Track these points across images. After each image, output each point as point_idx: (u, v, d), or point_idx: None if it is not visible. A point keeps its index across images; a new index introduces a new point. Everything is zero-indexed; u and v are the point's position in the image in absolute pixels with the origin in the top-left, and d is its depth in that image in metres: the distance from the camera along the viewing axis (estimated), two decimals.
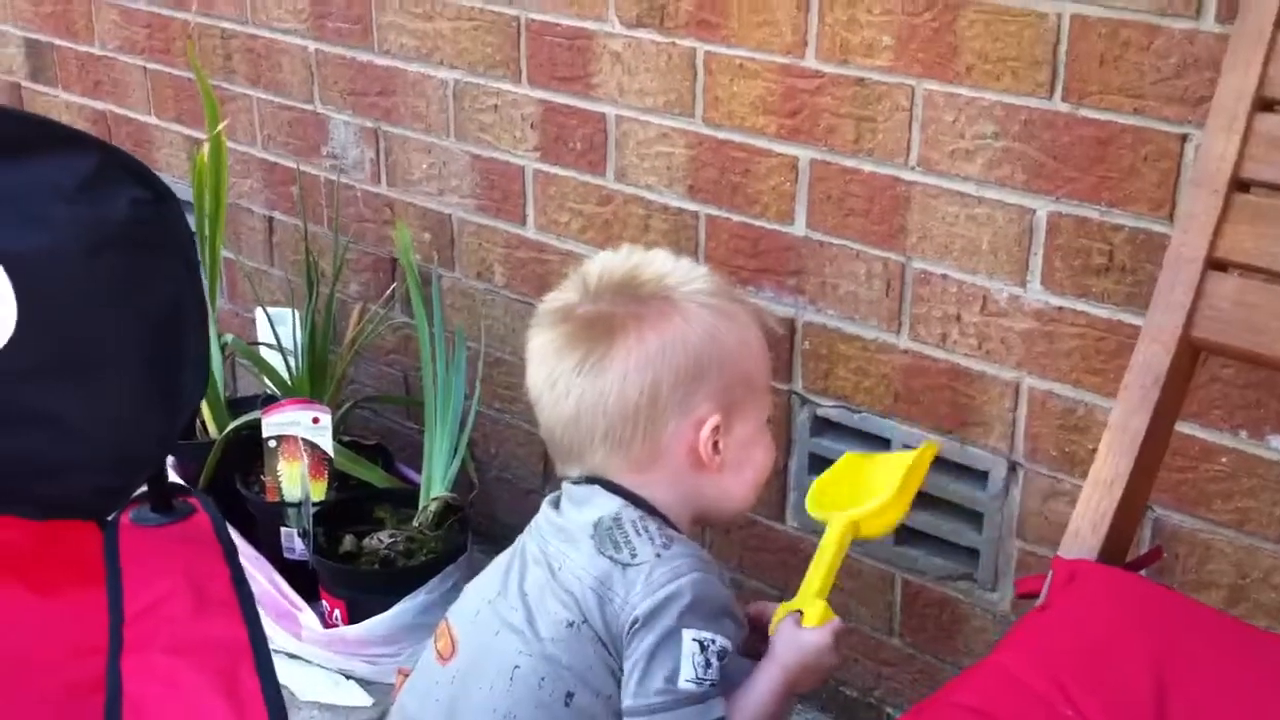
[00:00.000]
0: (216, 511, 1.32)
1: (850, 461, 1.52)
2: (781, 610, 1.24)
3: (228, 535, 1.27)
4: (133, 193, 1.18)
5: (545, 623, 1.14)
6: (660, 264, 1.19)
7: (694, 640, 1.11)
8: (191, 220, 2.11)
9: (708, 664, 1.11)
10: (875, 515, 1.38)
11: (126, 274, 1.18)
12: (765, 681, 1.18)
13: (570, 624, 1.12)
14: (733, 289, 1.23)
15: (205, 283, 2.07)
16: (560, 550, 1.17)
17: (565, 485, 1.23)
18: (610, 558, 1.12)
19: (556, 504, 1.23)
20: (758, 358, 1.20)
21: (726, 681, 1.14)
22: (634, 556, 1.12)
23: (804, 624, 1.20)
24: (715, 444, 1.16)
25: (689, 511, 1.20)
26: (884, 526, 1.40)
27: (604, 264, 1.20)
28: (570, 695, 1.12)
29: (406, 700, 1.24)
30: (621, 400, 1.12)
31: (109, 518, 1.31)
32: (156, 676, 1.07)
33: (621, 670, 1.12)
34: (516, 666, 1.14)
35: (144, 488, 1.31)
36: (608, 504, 1.16)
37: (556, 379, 1.15)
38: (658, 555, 1.12)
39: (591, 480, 1.19)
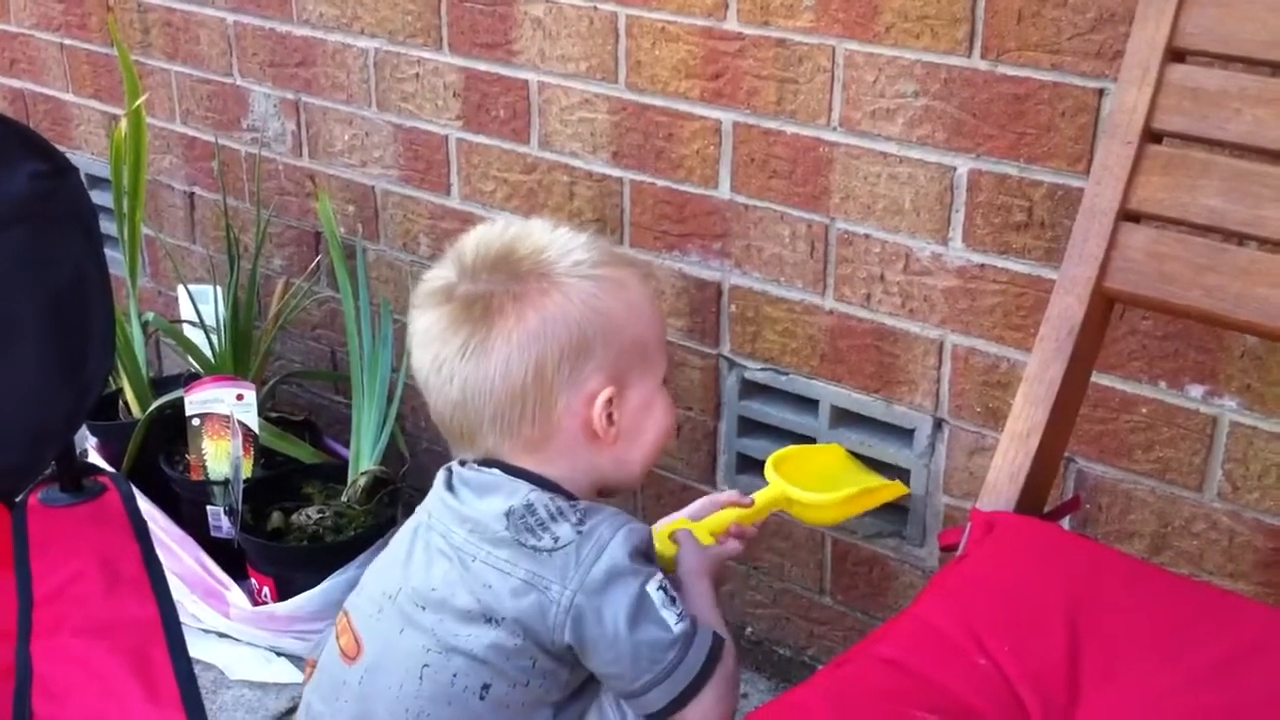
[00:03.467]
0: (129, 489, 1.29)
1: (835, 452, 1.58)
2: (666, 529, 1.27)
3: (139, 513, 1.25)
4: (32, 166, 1.15)
5: (456, 617, 1.11)
6: (537, 237, 1.15)
7: (658, 589, 1.10)
8: (110, 198, 2.07)
9: (673, 599, 1.11)
10: (809, 506, 1.44)
11: (28, 248, 1.16)
12: (704, 595, 1.20)
13: (488, 618, 1.10)
14: (617, 252, 1.19)
15: (126, 260, 2.04)
16: (471, 542, 1.13)
17: (457, 468, 1.19)
18: (533, 547, 1.10)
19: (450, 486, 1.18)
20: (648, 320, 1.17)
21: None
22: (556, 541, 1.09)
23: (703, 542, 1.26)
24: (610, 415, 1.14)
25: (589, 482, 1.18)
26: (815, 518, 1.47)
27: (480, 239, 1.16)
28: (486, 687, 1.10)
29: (313, 699, 1.21)
30: (507, 382, 1.10)
31: (17, 499, 1.28)
32: (68, 660, 1.06)
33: (547, 655, 1.10)
34: (426, 665, 1.11)
35: (53, 467, 1.28)
36: (514, 490, 1.13)
37: (441, 364, 1.12)
38: (579, 533, 1.10)
39: (488, 463, 1.16)
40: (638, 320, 1.15)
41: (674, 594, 1.11)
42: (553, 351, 1.10)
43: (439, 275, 1.16)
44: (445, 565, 1.13)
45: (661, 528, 1.29)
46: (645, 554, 1.13)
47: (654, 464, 1.23)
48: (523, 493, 1.12)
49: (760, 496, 1.40)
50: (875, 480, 1.57)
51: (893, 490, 1.56)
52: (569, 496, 1.15)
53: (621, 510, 1.16)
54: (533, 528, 1.10)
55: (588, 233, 1.18)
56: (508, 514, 1.11)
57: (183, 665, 1.03)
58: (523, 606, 1.08)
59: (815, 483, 1.51)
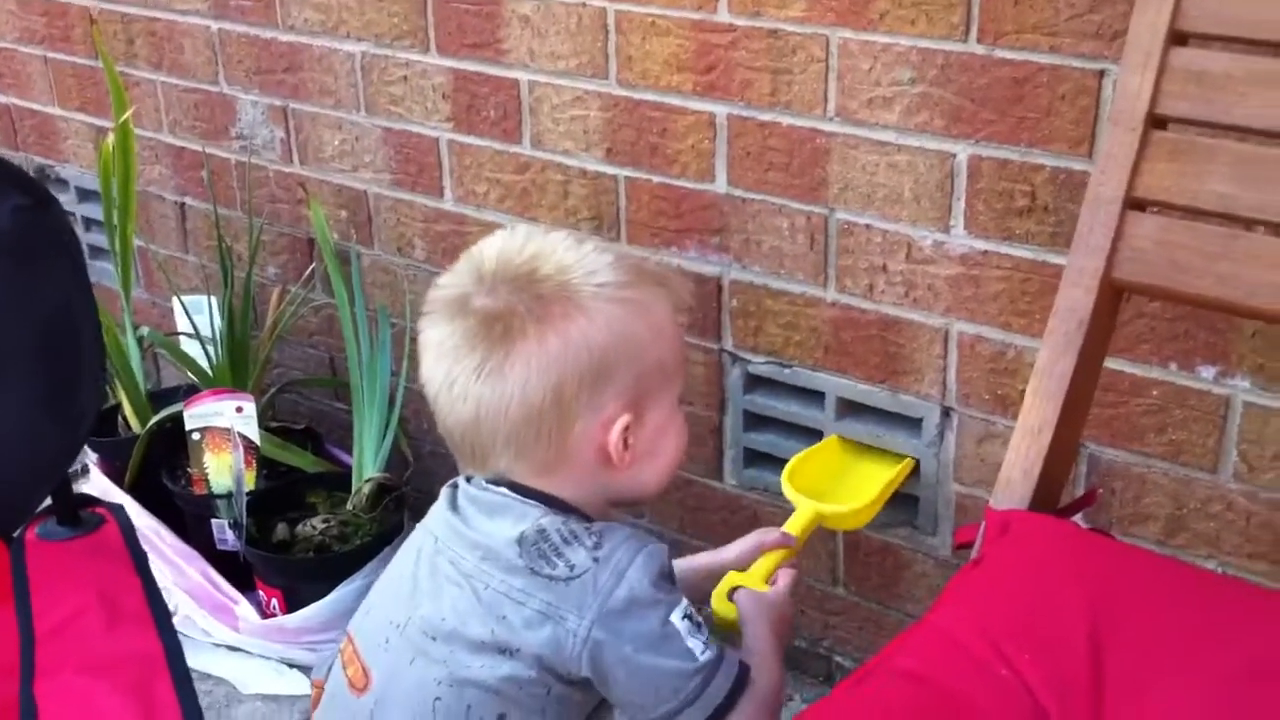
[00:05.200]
0: (128, 520, 1.28)
1: (833, 446, 1.60)
2: (723, 586, 1.26)
3: (138, 544, 1.24)
4: (13, 200, 1.13)
5: (469, 649, 1.08)
6: (561, 255, 1.10)
7: (683, 619, 1.07)
8: (100, 210, 2.05)
9: (699, 626, 1.09)
10: (845, 516, 1.45)
11: (13, 282, 1.14)
12: (763, 640, 1.18)
13: (502, 650, 1.07)
14: (644, 270, 1.14)
15: (118, 273, 2.02)
16: (481, 569, 1.09)
17: (463, 485, 1.16)
18: (548, 576, 1.06)
19: (454, 505, 1.15)
20: (671, 341, 1.14)
21: None
22: (572, 569, 1.06)
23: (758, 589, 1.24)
24: (626, 441, 1.11)
25: (602, 500, 1.15)
26: (850, 525, 1.49)
27: (501, 250, 1.11)
28: (502, 717, 1.08)
29: None
30: (524, 405, 1.06)
31: (14, 534, 1.26)
32: (71, 699, 1.04)
33: (563, 683, 1.07)
34: (438, 699, 1.08)
35: (49, 501, 1.27)
36: (525, 514, 1.10)
37: (454, 380, 1.08)
38: (595, 560, 1.07)
39: (497, 483, 1.13)
40: (659, 342, 1.12)
41: (699, 620, 1.09)
42: (572, 376, 1.06)
43: (455, 284, 1.11)
44: (455, 593, 1.10)
45: (719, 586, 1.27)
46: (667, 577, 1.10)
47: (670, 480, 1.19)
48: (534, 517, 1.09)
49: (795, 526, 1.40)
50: (888, 467, 1.57)
51: (905, 468, 1.56)
52: (582, 516, 1.12)
53: (638, 529, 1.13)
54: (546, 554, 1.07)
55: (613, 251, 1.13)
56: (519, 540, 1.08)
57: (187, 699, 1.02)
58: (539, 638, 1.06)
59: (835, 487, 1.53)
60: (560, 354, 1.06)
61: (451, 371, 1.08)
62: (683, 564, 1.28)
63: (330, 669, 1.22)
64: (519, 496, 1.11)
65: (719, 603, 1.25)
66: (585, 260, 1.10)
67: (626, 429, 1.10)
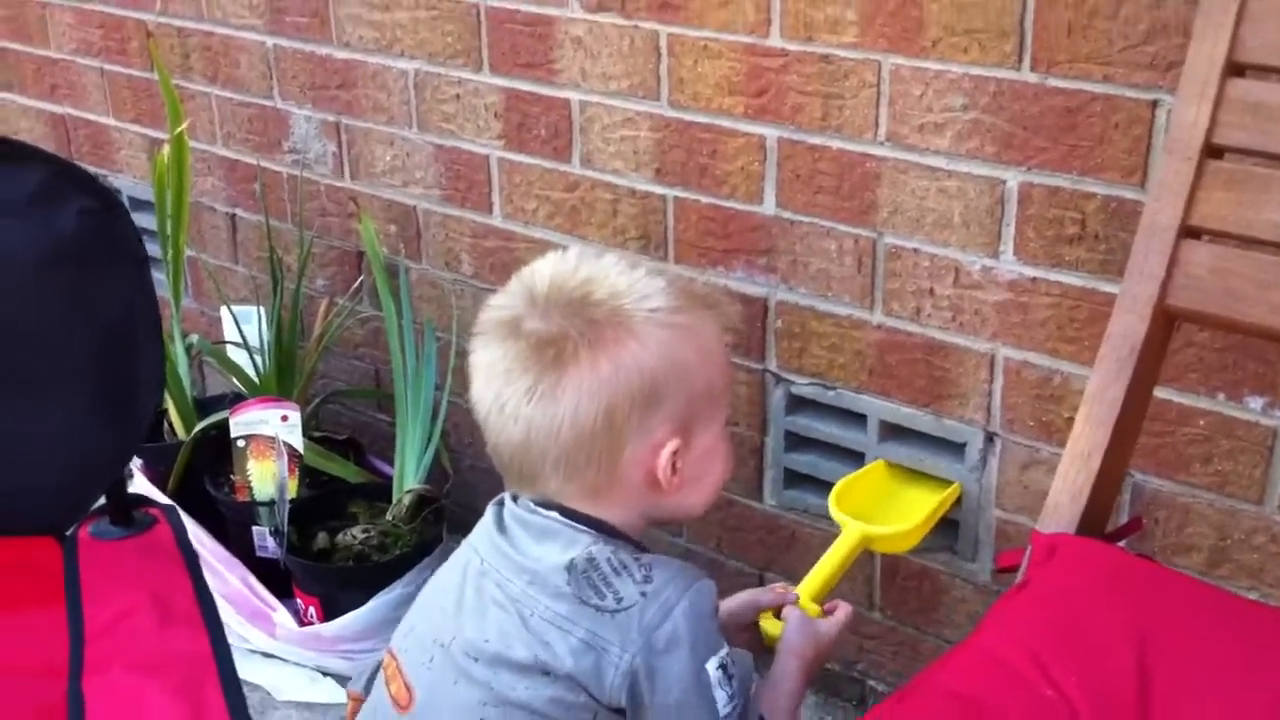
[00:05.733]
0: (179, 521, 1.29)
1: (879, 471, 1.61)
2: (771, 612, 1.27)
3: (190, 546, 1.25)
4: (81, 203, 1.15)
5: (513, 670, 1.08)
6: (614, 280, 1.10)
7: (717, 669, 1.08)
8: (153, 221, 2.08)
9: (730, 678, 1.09)
10: (891, 538, 1.47)
11: (78, 286, 1.16)
12: (789, 678, 1.19)
13: (546, 673, 1.07)
14: (695, 294, 1.14)
15: (169, 282, 2.05)
16: (528, 594, 1.09)
17: (510, 505, 1.16)
18: (595, 606, 1.06)
19: (501, 525, 1.15)
20: (718, 365, 1.14)
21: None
22: (620, 601, 1.07)
23: (810, 614, 1.24)
24: (674, 465, 1.11)
25: (646, 522, 1.15)
26: (896, 548, 1.50)
27: (554, 274, 1.11)
28: None
29: None
30: (575, 428, 1.07)
31: (68, 532, 1.28)
32: (119, 697, 1.05)
33: (607, 710, 1.07)
34: (482, 719, 1.09)
35: (103, 500, 1.28)
36: (575, 540, 1.10)
37: (505, 402, 1.08)
38: (643, 594, 1.07)
39: (546, 505, 1.13)
40: (709, 367, 1.12)
41: (733, 673, 1.09)
42: (624, 400, 1.07)
43: (506, 305, 1.12)
44: (501, 616, 1.10)
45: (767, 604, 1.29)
46: (712, 616, 1.10)
47: (713, 503, 1.20)
48: (583, 544, 1.09)
49: (841, 547, 1.40)
50: (934, 492, 1.58)
51: (952, 494, 1.57)
52: (630, 542, 1.12)
53: (689, 565, 1.13)
54: (595, 584, 1.07)
55: (665, 275, 1.14)
56: (569, 568, 1.08)
57: (236, 700, 1.02)
58: (581, 666, 1.06)
59: (881, 511, 1.54)
60: (612, 378, 1.06)
61: (502, 394, 1.09)
62: None
63: (368, 682, 1.23)
64: (568, 521, 1.11)
65: (767, 621, 1.25)
66: (638, 285, 1.10)
67: (676, 453, 1.10)
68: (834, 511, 1.49)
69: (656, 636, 1.05)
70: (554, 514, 1.12)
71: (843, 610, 1.29)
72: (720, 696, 1.07)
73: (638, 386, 1.07)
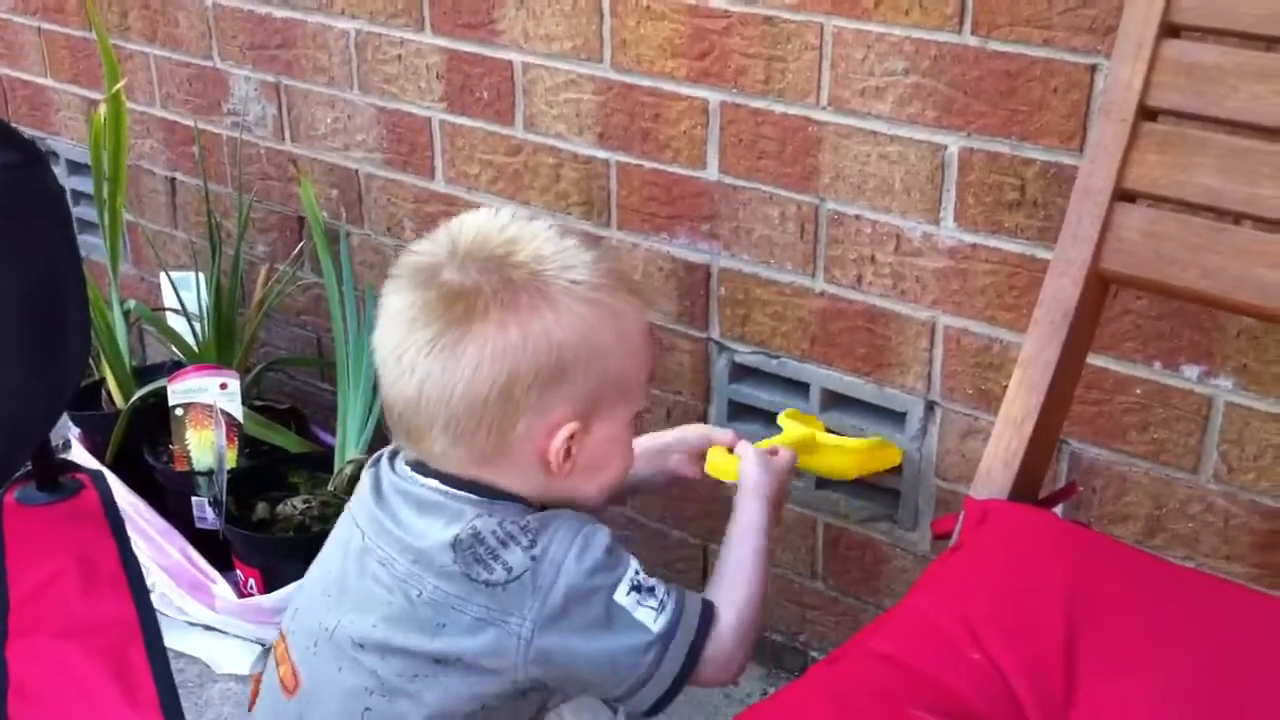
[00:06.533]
0: (107, 486, 1.27)
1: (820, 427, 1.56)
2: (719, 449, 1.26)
3: (117, 511, 1.23)
4: (3, 157, 1.12)
5: (402, 658, 1.04)
6: (541, 244, 1.05)
7: (629, 592, 1.04)
8: (90, 184, 2.04)
9: (650, 589, 1.06)
10: (832, 449, 1.44)
11: (1, 241, 1.13)
12: (758, 518, 1.18)
13: (439, 659, 1.03)
14: (624, 276, 1.09)
15: (107, 247, 2.01)
16: (414, 574, 1.04)
17: (388, 473, 1.11)
18: (486, 582, 1.02)
19: (379, 493, 1.10)
20: (637, 355, 1.09)
21: None
22: (510, 571, 1.03)
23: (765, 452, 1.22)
24: (568, 450, 1.05)
25: (538, 499, 1.09)
26: (830, 465, 1.47)
27: (480, 228, 1.06)
28: None
29: None
30: (469, 392, 1.01)
31: None
32: (45, 662, 1.04)
33: (506, 692, 1.04)
34: (367, 708, 1.05)
35: (29, 465, 1.26)
36: (459, 514, 1.05)
37: (404, 351, 1.03)
38: (533, 559, 1.03)
39: (427, 471, 1.08)
40: (625, 354, 1.06)
41: (650, 584, 1.06)
42: (527, 371, 1.01)
43: (426, 251, 1.07)
44: (386, 598, 1.06)
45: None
46: (608, 552, 1.06)
47: (610, 497, 1.15)
48: (468, 518, 1.04)
49: (787, 435, 1.37)
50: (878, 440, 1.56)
51: (894, 454, 1.56)
52: (518, 503, 1.07)
53: (576, 515, 1.09)
54: (482, 558, 1.03)
55: (597, 249, 1.09)
56: (454, 544, 1.03)
57: (160, 666, 1.01)
58: (479, 644, 1.02)
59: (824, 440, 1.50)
60: (519, 345, 1.01)
61: (404, 342, 1.04)
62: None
63: (265, 662, 1.19)
64: (451, 490, 1.07)
65: (718, 454, 1.23)
66: (564, 254, 1.05)
67: (571, 437, 1.05)
68: (783, 419, 1.45)
69: (553, 595, 1.02)
70: (434, 482, 1.07)
71: (785, 454, 1.27)
72: (644, 615, 1.04)
73: (544, 359, 1.01)
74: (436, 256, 1.06)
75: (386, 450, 1.13)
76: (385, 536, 1.07)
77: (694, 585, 1.84)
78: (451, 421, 1.03)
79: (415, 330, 1.03)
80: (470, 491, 1.06)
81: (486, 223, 1.08)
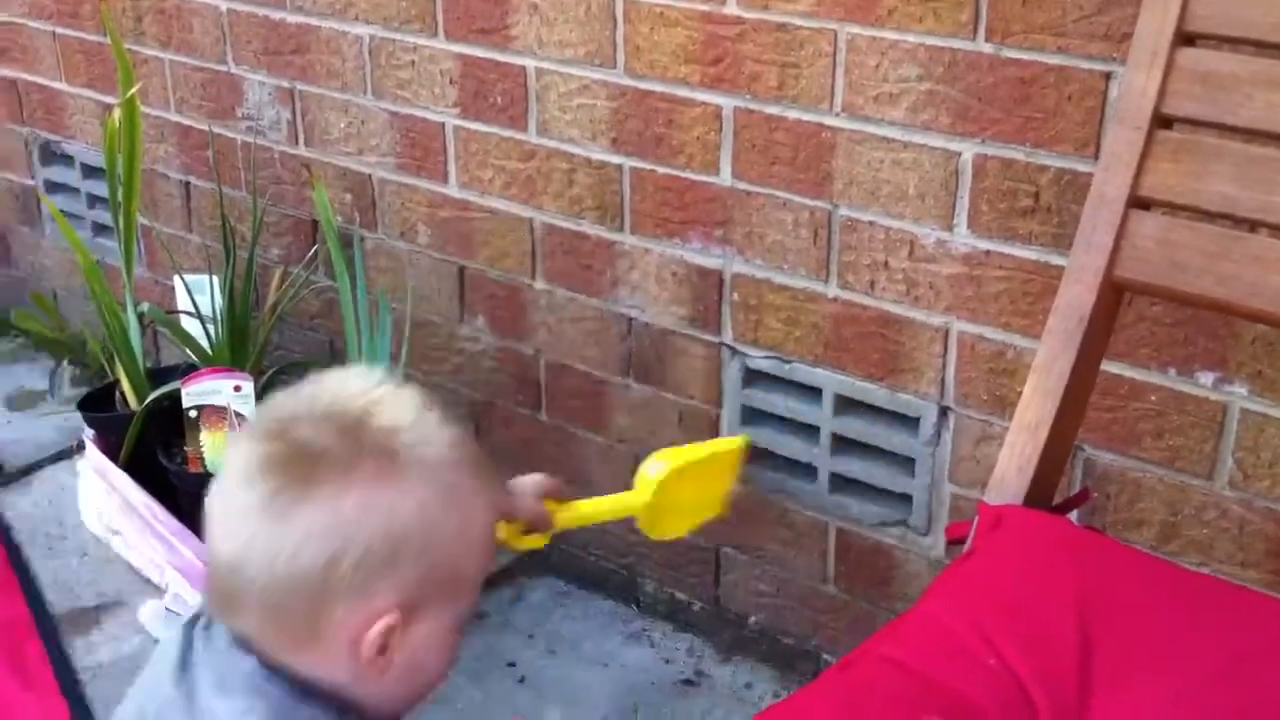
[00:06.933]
0: None
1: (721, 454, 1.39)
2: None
3: (1, 516, 1.21)
4: None
5: None
6: (401, 411, 0.95)
7: None
8: (105, 187, 2.05)
9: None
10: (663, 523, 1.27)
11: None
12: None
13: None
14: (481, 465, 0.99)
15: (121, 250, 2.02)
16: None
17: (201, 646, 0.98)
18: None
19: (186, 663, 0.97)
20: (477, 552, 0.98)
21: None
22: None
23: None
24: (383, 646, 0.94)
25: (345, 696, 0.97)
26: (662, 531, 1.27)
27: (342, 387, 0.96)
28: None
29: None
30: (292, 564, 0.90)
31: None
32: None
33: None
34: None
35: None
36: (251, 707, 0.93)
37: (233, 510, 0.92)
38: None
39: (248, 647, 0.95)
40: (463, 547, 0.97)
41: None
42: (356, 549, 0.91)
43: (288, 405, 0.96)
44: None
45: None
46: None
47: (416, 706, 1.03)
48: (259, 710, 0.93)
49: (621, 501, 1.23)
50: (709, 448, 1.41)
51: (731, 445, 1.39)
52: (335, 704, 0.96)
53: None
54: None
55: (459, 429, 0.98)
56: None
57: (57, 655, 0.97)
58: None
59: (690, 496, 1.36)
60: (354, 518, 0.91)
61: (234, 498, 0.93)
62: None
63: None
64: (261, 677, 0.95)
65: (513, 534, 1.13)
66: (422, 426, 0.95)
67: (391, 629, 0.93)
68: (650, 464, 1.35)
69: None
70: (253, 660, 0.95)
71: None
72: None
73: (380, 539, 0.92)
74: (294, 410, 0.95)
75: (202, 618, 1.00)
76: (176, 716, 0.96)
77: (707, 590, 1.85)
78: (266, 591, 0.92)
79: (249, 487, 0.92)
80: (284, 682, 0.95)
81: (352, 384, 0.98)
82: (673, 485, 1.26)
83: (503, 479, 1.08)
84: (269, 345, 2.10)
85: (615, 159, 1.71)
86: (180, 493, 1.97)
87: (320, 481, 0.91)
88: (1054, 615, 0.97)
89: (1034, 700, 0.91)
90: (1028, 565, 1.04)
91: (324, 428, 0.92)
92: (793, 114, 1.55)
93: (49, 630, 1.05)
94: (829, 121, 1.52)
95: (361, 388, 0.96)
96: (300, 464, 0.91)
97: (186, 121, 2.21)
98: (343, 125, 1.99)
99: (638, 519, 1.24)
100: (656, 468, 1.22)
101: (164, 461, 1.98)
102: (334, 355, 2.17)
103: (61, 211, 2.13)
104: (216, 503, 0.95)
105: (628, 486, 1.77)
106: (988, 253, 1.46)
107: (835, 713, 0.91)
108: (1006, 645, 0.95)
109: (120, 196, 2.01)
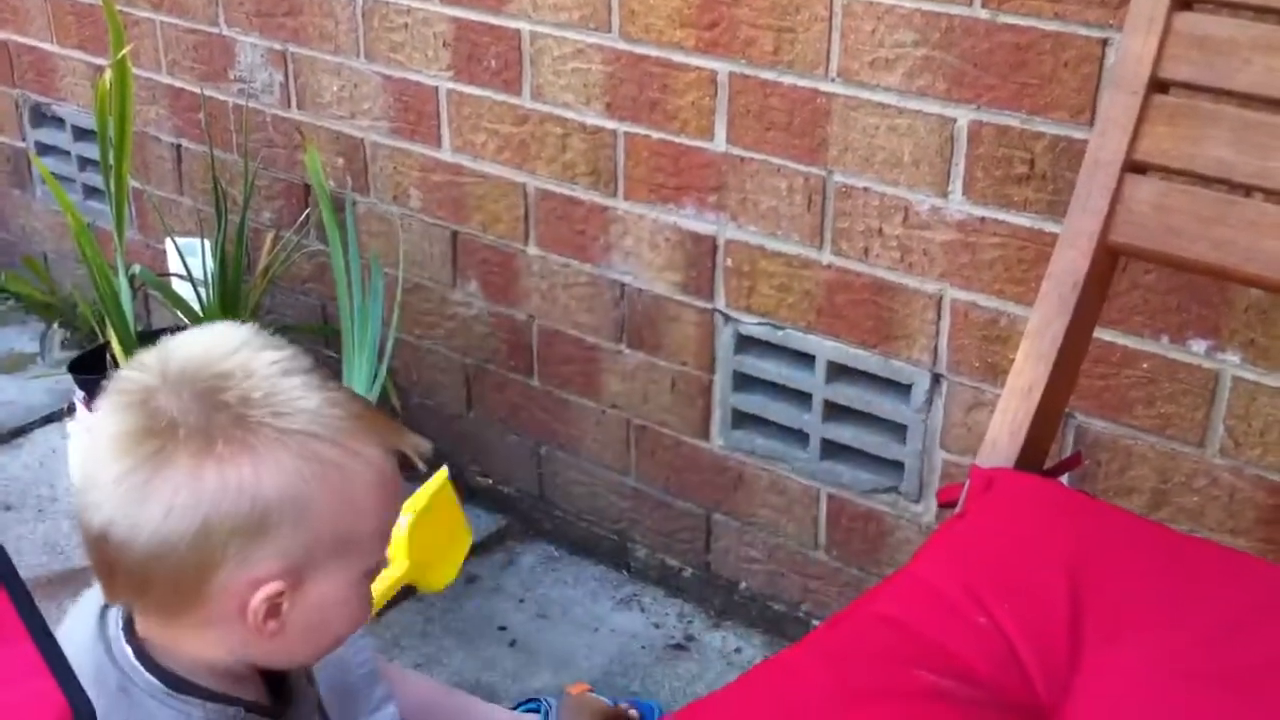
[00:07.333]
0: None
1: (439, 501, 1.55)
2: None
3: None
4: None
5: None
6: (259, 379, 0.91)
7: None
8: (96, 150, 2.04)
9: None
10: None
11: None
12: None
13: None
14: (359, 428, 0.94)
15: (112, 213, 2.01)
16: None
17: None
18: None
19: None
20: (363, 513, 0.95)
21: None
22: None
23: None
24: (273, 609, 0.92)
25: (233, 661, 0.96)
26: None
27: (190, 351, 0.93)
28: None
29: None
30: (158, 538, 0.88)
31: None
32: None
33: None
34: None
35: None
36: (99, 681, 0.92)
37: (94, 484, 0.91)
38: None
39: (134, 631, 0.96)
40: (345, 515, 0.93)
41: None
42: (222, 522, 0.89)
43: (142, 372, 0.93)
44: None
45: None
46: None
47: (329, 652, 1.02)
48: (101, 692, 0.90)
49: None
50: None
51: (439, 480, 1.56)
52: (202, 695, 0.95)
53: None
54: None
55: (339, 389, 0.95)
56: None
57: (26, 605, 0.95)
58: None
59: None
60: (215, 493, 0.89)
61: (95, 472, 0.91)
62: None
63: None
64: (133, 664, 0.95)
65: None
66: (280, 395, 0.91)
67: (279, 596, 0.92)
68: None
69: None
70: (129, 651, 0.95)
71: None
72: None
73: (245, 514, 0.89)
74: (156, 376, 0.92)
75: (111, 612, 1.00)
76: None
77: (698, 556, 1.86)
78: (136, 569, 0.91)
79: (108, 462, 0.90)
80: (147, 670, 0.95)
81: (200, 345, 0.94)
82: (422, 533, 1.39)
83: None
84: (260, 309, 2.09)
85: (609, 124, 1.71)
86: None
87: (172, 459, 0.88)
88: (1045, 576, 0.97)
89: (1023, 659, 0.91)
90: (1019, 527, 1.04)
91: (180, 395, 0.90)
92: (788, 79, 1.54)
93: (20, 591, 1.03)
94: (824, 87, 1.52)
95: (217, 354, 0.92)
96: (152, 440, 0.89)
97: (178, 84, 2.20)
98: (335, 88, 1.98)
99: (415, 583, 1.36)
100: (398, 525, 1.25)
101: None
102: (326, 319, 2.17)
103: (52, 174, 2.12)
104: (82, 474, 0.92)
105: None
106: (982, 220, 1.46)
107: (824, 668, 0.91)
108: (996, 605, 0.95)
109: (111, 159, 1.99)
